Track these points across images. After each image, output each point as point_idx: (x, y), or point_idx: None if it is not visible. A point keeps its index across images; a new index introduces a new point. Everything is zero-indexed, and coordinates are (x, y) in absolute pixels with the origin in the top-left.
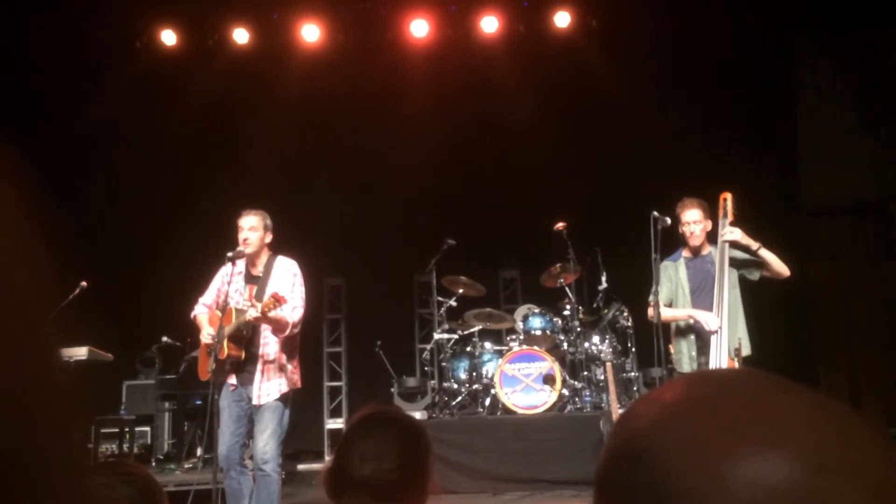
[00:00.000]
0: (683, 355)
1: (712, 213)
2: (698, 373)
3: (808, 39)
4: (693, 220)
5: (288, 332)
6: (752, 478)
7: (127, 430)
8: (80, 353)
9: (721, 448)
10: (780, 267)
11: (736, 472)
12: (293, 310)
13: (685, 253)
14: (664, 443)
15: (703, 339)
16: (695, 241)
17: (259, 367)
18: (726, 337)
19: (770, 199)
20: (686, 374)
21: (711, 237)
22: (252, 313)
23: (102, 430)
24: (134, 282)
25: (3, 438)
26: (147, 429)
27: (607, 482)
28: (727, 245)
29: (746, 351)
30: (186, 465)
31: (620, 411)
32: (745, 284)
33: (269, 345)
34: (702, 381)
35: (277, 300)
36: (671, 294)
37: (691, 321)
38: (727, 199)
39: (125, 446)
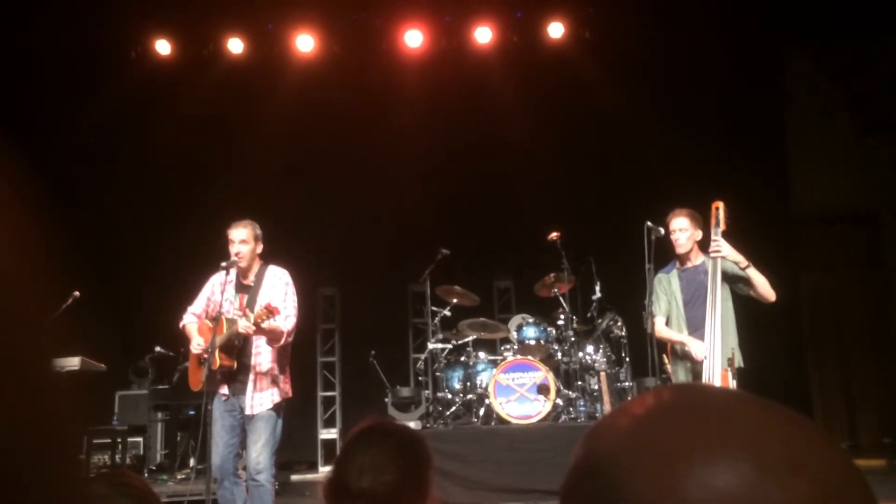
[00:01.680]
0: (679, 373)
1: (704, 222)
2: (653, 391)
3: (799, 50)
4: (679, 227)
5: (283, 341)
6: (701, 480)
7: (119, 440)
8: (73, 363)
9: (671, 455)
10: (765, 290)
11: (686, 475)
12: (286, 318)
13: (678, 264)
14: (619, 455)
15: (695, 364)
16: (680, 250)
17: (251, 377)
18: (719, 349)
19: (762, 209)
20: (642, 395)
21: (704, 246)
22: (244, 324)
23: (95, 441)
24: (127, 292)
25: (3, 446)
26: (140, 439)
27: (569, 496)
28: (719, 257)
29: (739, 362)
30: (179, 476)
31: None
32: (737, 294)
33: (262, 354)
34: (655, 398)
35: (270, 311)
36: (669, 307)
37: (684, 347)
38: (719, 207)
39: (117, 457)
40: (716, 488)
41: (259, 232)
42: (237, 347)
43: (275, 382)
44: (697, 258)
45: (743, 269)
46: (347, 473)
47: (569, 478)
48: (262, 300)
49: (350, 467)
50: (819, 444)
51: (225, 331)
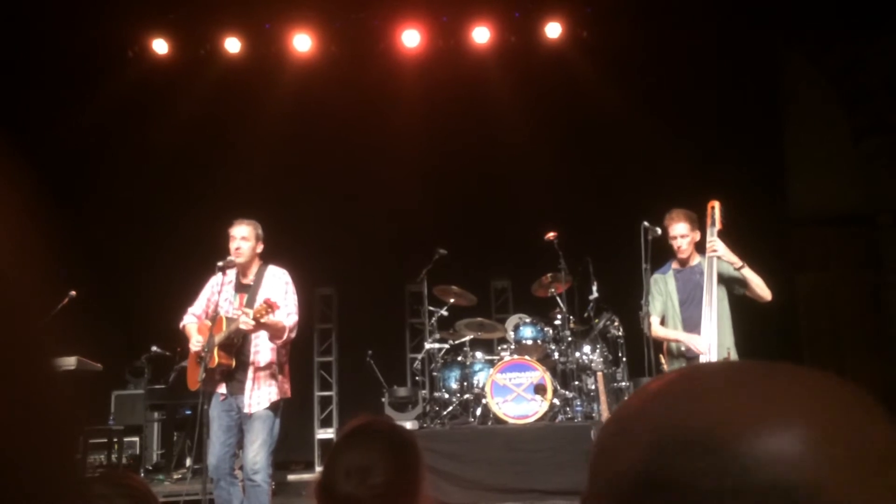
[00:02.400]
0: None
1: (700, 223)
2: (683, 371)
3: (796, 51)
4: (680, 233)
5: (285, 337)
6: (769, 456)
7: (115, 440)
8: (69, 362)
9: (771, 415)
10: (761, 290)
11: (793, 436)
12: (287, 315)
13: (674, 264)
14: (707, 420)
15: (692, 361)
16: (683, 255)
17: (250, 375)
18: (715, 348)
19: (758, 210)
20: (665, 376)
21: (700, 247)
22: (245, 320)
23: (91, 441)
24: (123, 291)
25: (4, 445)
26: (136, 439)
27: (663, 479)
28: (715, 256)
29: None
30: (176, 476)
31: None
32: (733, 294)
33: (260, 353)
34: (696, 373)
35: (269, 306)
36: (664, 307)
37: (682, 347)
38: (715, 207)
39: (114, 457)
40: (781, 453)
41: (260, 232)
42: (236, 346)
43: (273, 382)
44: (694, 259)
45: (737, 269)
46: (335, 475)
47: (657, 460)
48: (261, 299)
49: (337, 469)
50: (877, 417)
51: (224, 329)
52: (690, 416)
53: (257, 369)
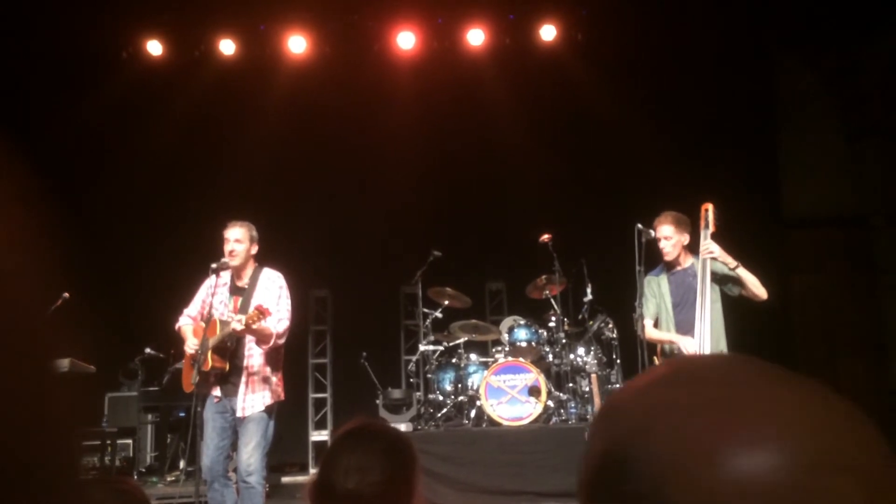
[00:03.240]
0: None
1: (693, 225)
2: (681, 364)
3: (791, 54)
4: (664, 235)
5: (272, 343)
6: (742, 477)
7: (109, 442)
8: (63, 364)
9: (714, 447)
10: (757, 288)
11: (730, 471)
12: (278, 321)
13: (667, 267)
14: (648, 447)
15: None
16: (666, 258)
17: (243, 378)
18: (709, 351)
19: (752, 212)
20: (668, 364)
21: (693, 249)
22: (236, 325)
23: (84, 443)
24: (117, 293)
25: (5, 446)
26: (129, 441)
27: (594, 490)
28: (709, 258)
29: None
30: (169, 478)
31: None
32: (727, 297)
33: (254, 357)
34: (686, 374)
35: (262, 312)
36: (658, 309)
37: (675, 347)
38: (708, 209)
39: (107, 459)
40: (760, 486)
41: (255, 234)
42: (230, 349)
43: (267, 384)
44: (686, 261)
45: (732, 269)
46: (333, 475)
47: (591, 471)
48: (255, 303)
49: (336, 469)
50: (872, 443)
51: (218, 332)
52: (635, 434)
53: (251, 373)
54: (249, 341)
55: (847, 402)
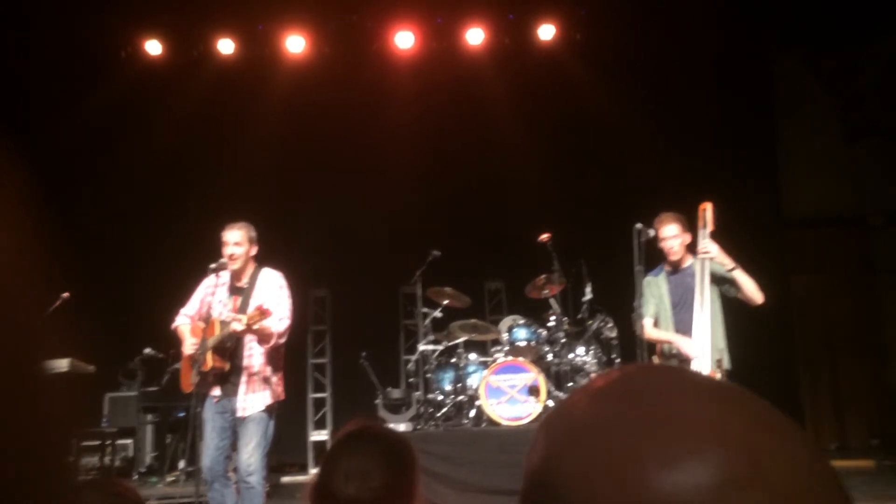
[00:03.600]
0: None
1: (691, 225)
2: (616, 378)
3: (790, 55)
4: (671, 235)
5: (273, 342)
6: (656, 497)
7: (109, 442)
8: (62, 365)
9: (626, 467)
10: (752, 292)
11: (640, 492)
12: (279, 321)
13: (667, 267)
14: (568, 468)
15: (684, 363)
16: (674, 256)
17: (243, 378)
18: (707, 351)
19: (751, 212)
20: (606, 376)
21: (692, 249)
22: (237, 326)
23: (84, 443)
24: (116, 293)
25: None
26: (129, 441)
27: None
28: (707, 258)
29: (727, 364)
30: (169, 479)
31: None
32: (726, 297)
33: (254, 356)
34: (617, 389)
35: (262, 312)
36: (657, 310)
37: (674, 347)
38: (707, 209)
39: (106, 459)
40: (672, 496)
41: (254, 234)
42: (230, 349)
43: (267, 384)
44: (686, 261)
45: (729, 271)
46: (333, 479)
47: (523, 491)
48: (255, 303)
49: (336, 472)
50: (789, 455)
51: (217, 332)
52: (554, 457)
53: (251, 373)
54: (249, 341)
55: (774, 411)
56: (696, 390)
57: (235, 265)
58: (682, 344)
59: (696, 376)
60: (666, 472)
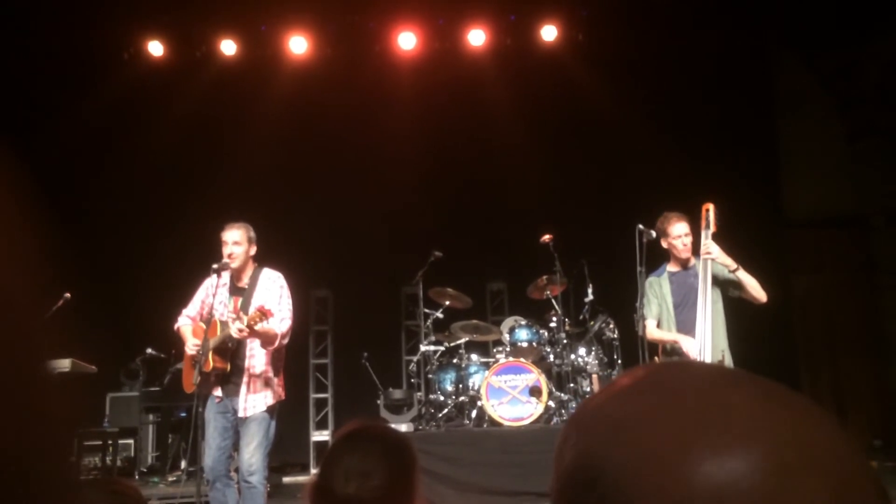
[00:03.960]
0: None
1: (695, 226)
2: (648, 373)
3: (790, 55)
4: (683, 233)
5: (277, 343)
6: (709, 485)
7: (110, 442)
8: (64, 365)
9: (675, 458)
10: (756, 291)
11: (692, 480)
12: (281, 321)
13: (670, 267)
14: (614, 461)
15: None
16: (685, 254)
17: (245, 379)
18: (709, 351)
19: (752, 212)
20: (634, 373)
21: (695, 249)
22: (237, 327)
23: (85, 443)
24: (118, 293)
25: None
26: (131, 441)
27: (564, 501)
28: (710, 259)
29: (729, 364)
30: (170, 478)
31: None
32: (728, 297)
33: (255, 357)
34: (653, 384)
35: (263, 313)
36: (660, 310)
37: (677, 346)
38: (709, 209)
39: (108, 459)
40: (726, 493)
41: (253, 234)
42: (231, 350)
43: (268, 385)
44: (691, 261)
45: (732, 271)
46: (334, 478)
47: (559, 486)
48: (256, 303)
49: (336, 472)
50: (830, 439)
51: (218, 333)
52: (601, 448)
53: (252, 373)
54: (251, 341)
55: (811, 402)
56: (734, 383)
57: (235, 264)
58: (684, 343)
59: (728, 370)
60: (718, 460)
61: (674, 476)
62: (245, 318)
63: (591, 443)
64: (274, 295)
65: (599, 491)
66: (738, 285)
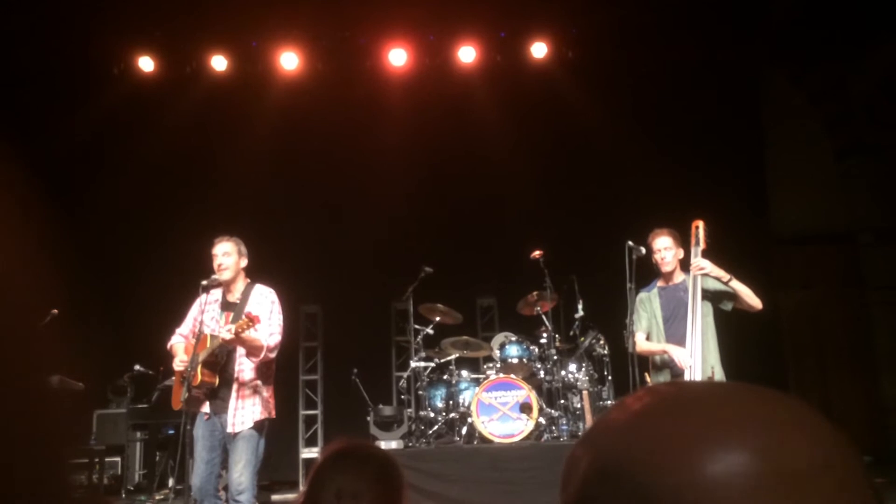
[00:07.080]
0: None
1: (684, 241)
2: (648, 391)
3: (778, 72)
4: (664, 246)
5: (262, 355)
6: (727, 479)
7: (97, 460)
8: (51, 381)
9: (691, 446)
10: (751, 299)
11: (711, 473)
12: (270, 335)
13: (660, 283)
14: (635, 450)
15: (677, 374)
16: (667, 268)
17: (234, 393)
18: (699, 366)
19: (741, 229)
20: (634, 394)
21: (684, 265)
22: (225, 335)
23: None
24: (106, 309)
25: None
26: (118, 459)
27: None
28: (699, 275)
29: (719, 378)
30: (158, 497)
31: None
32: (718, 312)
33: (245, 371)
34: (655, 396)
35: (251, 319)
36: (649, 324)
37: (666, 356)
38: (699, 226)
39: (95, 477)
40: (740, 480)
41: (243, 248)
42: (220, 363)
43: (257, 400)
44: (678, 276)
45: (726, 282)
46: (323, 497)
47: (581, 489)
48: None
49: (326, 491)
50: (837, 439)
51: (208, 346)
52: (618, 442)
53: (241, 388)
54: (240, 356)
55: (812, 407)
56: (734, 389)
57: (225, 275)
58: (674, 352)
59: (726, 382)
60: (740, 456)
61: (688, 469)
62: (233, 327)
63: (605, 448)
64: (265, 310)
65: (615, 493)
66: (732, 296)
